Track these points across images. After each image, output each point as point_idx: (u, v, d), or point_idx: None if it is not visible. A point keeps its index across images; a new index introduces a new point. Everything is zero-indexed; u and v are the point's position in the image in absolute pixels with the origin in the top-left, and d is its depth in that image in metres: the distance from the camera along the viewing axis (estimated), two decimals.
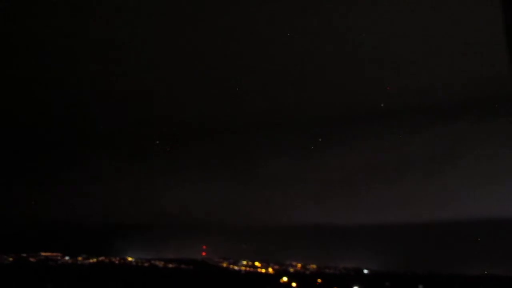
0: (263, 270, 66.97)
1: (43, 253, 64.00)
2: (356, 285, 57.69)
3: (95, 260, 65.18)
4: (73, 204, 67.78)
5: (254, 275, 66.02)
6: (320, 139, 72.04)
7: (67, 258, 64.60)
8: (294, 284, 60.27)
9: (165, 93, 73.65)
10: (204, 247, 69.15)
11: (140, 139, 71.65)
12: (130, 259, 66.23)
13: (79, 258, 64.97)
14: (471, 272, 59.54)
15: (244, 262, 68.15)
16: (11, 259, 61.98)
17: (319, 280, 61.49)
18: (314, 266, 66.42)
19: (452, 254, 61.71)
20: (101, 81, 67.38)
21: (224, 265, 68.46)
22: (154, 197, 69.57)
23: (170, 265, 65.94)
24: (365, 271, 64.01)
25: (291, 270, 66.06)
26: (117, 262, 65.76)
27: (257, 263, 67.77)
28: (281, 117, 75.65)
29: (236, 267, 67.82)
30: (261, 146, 76.77)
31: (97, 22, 59.99)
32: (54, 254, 64.48)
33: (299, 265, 66.72)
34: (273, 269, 66.74)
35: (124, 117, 71.10)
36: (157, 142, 70.05)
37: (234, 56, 69.10)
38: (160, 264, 66.10)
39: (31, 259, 62.91)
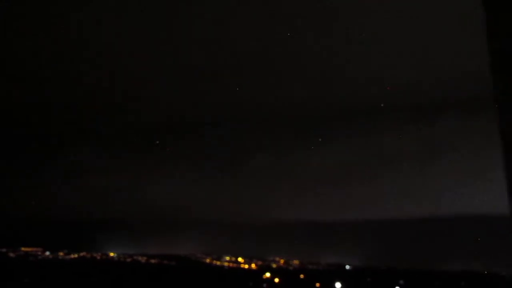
0: (246, 266, 66.93)
1: (23, 248, 63.08)
2: (338, 281, 57.92)
3: (76, 255, 64.46)
4: (55, 199, 66.83)
5: (237, 270, 65.96)
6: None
7: (47, 253, 63.75)
8: (277, 280, 60.30)
9: (150, 89, 73.05)
10: (188, 242, 68.93)
11: (123, 134, 70.92)
12: (112, 254, 65.62)
13: (60, 253, 64.18)
14: (452, 268, 60.23)
15: (227, 258, 68.04)
16: None
17: (301, 276, 61.67)
18: (297, 262, 66.62)
19: (433, 250, 62.35)
20: (87, 77, 66.49)
21: (207, 260, 68.27)
22: (137, 192, 69.07)
23: (153, 261, 65.53)
24: (347, 267, 64.39)
25: (274, 266, 66.13)
26: (99, 257, 65.13)
27: (240, 259, 67.72)
28: (265, 114, 75.61)
29: (219, 263, 67.69)
30: (245, 143, 76.69)
31: (86, 20, 59.17)
32: (35, 249, 63.58)
33: (282, 261, 66.83)
34: (256, 265, 66.74)
35: (107, 112, 70.32)
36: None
37: (222, 52, 68.75)
38: (143, 259, 65.63)
39: (11, 255, 61.97)
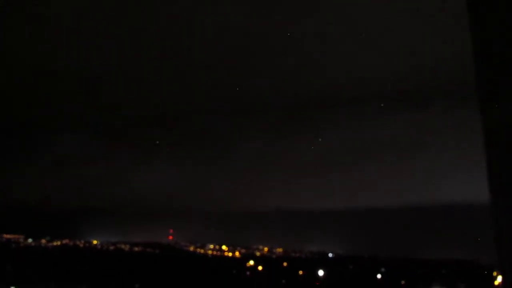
0: (230, 254, 67.00)
1: (5, 235, 62.74)
2: (321, 268, 58.12)
3: (59, 243, 64.17)
4: (38, 187, 66.39)
5: (221, 258, 65.99)
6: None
7: (30, 240, 63.43)
8: (260, 268, 60.40)
9: (139, 80, 72.66)
10: (171, 231, 68.73)
11: (107, 123, 70.58)
12: (95, 242, 65.42)
13: (43, 241, 63.87)
14: (433, 256, 60.72)
15: (211, 246, 68.08)
16: None
17: (285, 264, 61.83)
18: (280, 250, 66.82)
19: (415, 238, 62.78)
20: (76, 67, 66.02)
21: (191, 248, 68.29)
22: (121, 180, 68.78)
23: (136, 249, 65.37)
24: (330, 255, 64.66)
25: (258, 254, 66.27)
26: (81, 245, 64.89)
27: (224, 247, 67.78)
28: (250, 104, 75.52)
29: (203, 251, 67.72)
30: (230, 131, 76.61)
31: (82, 11, 58.72)
32: (17, 236, 63.24)
33: (265, 249, 67.00)
34: (240, 253, 66.83)
35: (92, 100, 69.91)
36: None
37: (210, 43, 68.53)
38: (126, 247, 65.46)
39: None
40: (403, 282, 55.89)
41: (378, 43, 67.68)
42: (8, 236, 62.90)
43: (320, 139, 74.08)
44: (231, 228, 69.31)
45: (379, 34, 67.75)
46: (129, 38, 66.38)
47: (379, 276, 57.04)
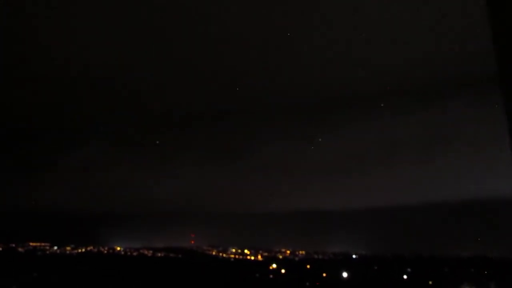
0: (252, 258, 66.49)
1: (31, 243, 64.00)
2: (344, 270, 56.96)
3: (83, 249, 65.06)
4: (62, 195, 67.61)
5: (243, 262, 65.56)
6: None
7: (55, 248, 64.55)
8: (283, 271, 59.68)
9: (154, 82, 73.29)
10: (193, 235, 68.76)
11: (128, 130, 71.42)
12: (118, 248, 66.00)
13: (68, 248, 64.89)
14: (461, 254, 58.69)
15: (233, 250, 67.78)
16: (0, 249, 62.05)
17: (308, 266, 60.88)
18: (303, 252, 65.92)
19: (442, 236, 60.81)
20: (92, 74, 67.16)
21: (213, 253, 68.12)
22: (143, 186, 69.30)
23: (159, 254, 65.66)
24: (354, 256, 63.35)
25: (280, 256, 65.58)
26: (105, 251, 65.58)
27: (246, 251, 67.35)
28: (270, 105, 75.03)
29: (225, 255, 67.44)
30: (251, 134, 76.25)
31: (90, 18, 59.90)
32: (43, 244, 64.47)
33: (288, 252, 66.23)
34: (262, 256, 66.26)
35: (113, 108, 70.90)
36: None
37: (225, 46, 68.58)
38: (149, 253, 65.83)
39: (20, 249, 62.94)
40: (430, 282, 54.15)
41: (394, 38, 66.23)
42: (34, 244, 64.14)
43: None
44: (253, 231, 68.80)
45: (394, 28, 66.20)
46: (142, 43, 67.06)
47: (405, 276, 55.45)
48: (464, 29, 64.00)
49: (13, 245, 63.30)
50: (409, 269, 56.56)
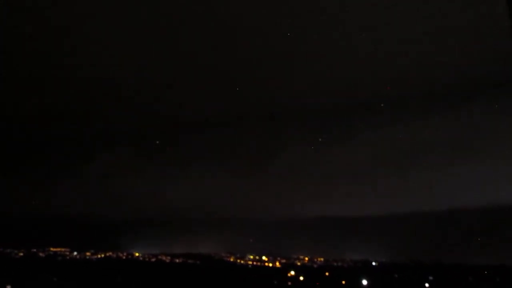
0: (270, 264, 65.93)
1: (52, 249, 64.87)
2: (364, 278, 55.96)
3: (102, 255, 65.61)
4: (81, 201, 68.48)
5: (261, 269, 65.04)
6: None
7: (75, 253, 65.26)
8: (301, 278, 58.99)
9: (169, 88, 73.69)
10: (211, 241, 68.73)
11: (146, 135, 72.04)
12: (137, 254, 66.36)
13: (87, 254, 65.53)
14: (486, 262, 56.93)
15: (251, 257, 67.37)
16: (21, 254, 63.03)
17: (326, 273, 60.04)
18: (321, 259, 65.04)
19: (462, 244, 59.11)
20: (104, 81, 68.11)
21: (231, 259, 67.80)
22: (161, 193, 69.60)
23: (177, 260, 65.72)
24: (374, 263, 62.18)
25: (298, 263, 64.87)
26: (124, 257, 65.99)
27: (264, 257, 66.85)
28: (288, 110, 74.51)
29: (243, 262, 67.05)
30: (268, 140, 75.90)
31: (98, 23, 60.89)
32: (63, 249, 65.28)
33: (306, 259, 65.45)
34: (280, 263, 65.68)
35: (131, 115, 71.68)
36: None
37: (239, 49, 68.69)
38: (167, 259, 65.95)
39: (40, 254, 63.84)
40: None
41: (412, 38, 65.18)
42: (54, 249, 64.96)
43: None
44: (271, 237, 68.22)
45: (411, 29, 65.20)
46: (162, 48, 67.64)
47: (427, 285, 54.10)
48: (486, 29, 62.68)
49: (34, 250, 64.22)
50: (431, 277, 55.20)
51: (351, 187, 68.40)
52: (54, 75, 67.81)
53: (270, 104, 74.63)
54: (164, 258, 66.11)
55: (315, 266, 64.04)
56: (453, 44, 66.13)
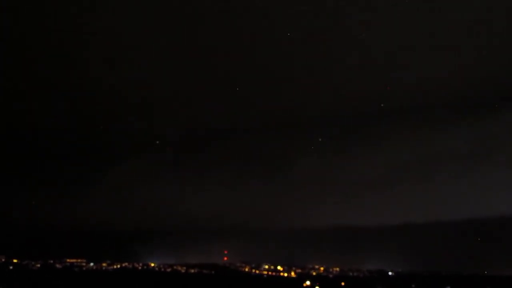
0: (286, 274, 65.80)
1: (68, 260, 65.40)
2: None
3: (118, 265, 66.04)
4: (97, 212, 68.92)
5: (276, 279, 64.99)
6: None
7: (91, 264, 65.75)
8: None
9: (188, 98, 73.52)
10: (226, 251, 68.59)
11: (160, 143, 72.15)
12: (152, 264, 66.68)
13: (103, 264, 66.00)
14: (504, 273, 56.21)
15: (266, 266, 67.29)
16: (38, 265, 63.72)
17: (342, 283, 59.82)
18: (337, 268, 64.72)
19: (481, 254, 58.29)
20: (119, 91, 68.43)
21: (246, 269, 67.84)
22: (176, 203, 69.65)
23: (192, 270, 65.93)
24: (390, 273, 61.75)
25: (314, 273, 64.66)
26: (140, 267, 66.39)
27: (279, 267, 66.73)
28: (303, 117, 73.75)
29: (258, 271, 67.01)
30: (283, 149, 75.41)
31: (102, 31, 61.23)
32: (79, 260, 65.79)
33: (321, 268, 65.19)
34: (296, 272, 65.54)
35: (144, 123, 71.89)
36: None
37: (255, 60, 68.52)
38: (182, 269, 66.20)
39: (57, 265, 64.44)
40: None
41: (434, 45, 64.25)
42: (71, 260, 65.50)
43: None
44: (286, 247, 67.87)
45: (433, 35, 64.25)
46: (178, 60, 67.80)
47: None
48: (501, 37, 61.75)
49: (51, 261, 64.85)
50: (448, 287, 54.75)
51: (367, 196, 67.59)
52: (71, 85, 68.19)
53: (287, 111, 73.90)
54: (179, 268, 66.35)
55: (330, 276, 63.78)
56: (477, 51, 64.82)
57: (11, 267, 62.43)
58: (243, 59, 68.13)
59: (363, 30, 63.96)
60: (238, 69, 68.83)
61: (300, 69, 71.35)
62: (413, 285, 56.99)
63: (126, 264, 66.31)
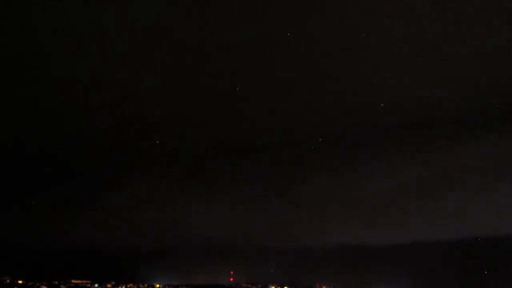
0: None
1: (73, 281, 65.24)
2: None
3: (123, 287, 65.52)
4: (101, 231, 68.71)
5: None
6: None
7: (96, 285, 65.42)
8: None
9: (200, 116, 72.78)
10: (232, 272, 67.38)
11: (162, 163, 71.85)
12: (157, 285, 65.99)
13: (108, 285, 65.57)
14: None
15: (273, 287, 65.85)
16: (43, 286, 63.66)
17: None
18: None
19: (498, 274, 55.77)
20: (128, 109, 68.42)
21: None
22: (179, 221, 68.98)
23: None
24: None
25: None
26: None
27: (285, 287, 65.27)
28: (311, 135, 72.34)
29: None
30: (289, 168, 74.30)
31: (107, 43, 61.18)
32: (84, 281, 65.53)
33: None
34: None
35: (149, 142, 71.50)
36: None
37: (265, 77, 67.82)
38: None
39: (62, 286, 64.27)
40: None
41: (447, 58, 62.46)
42: (76, 281, 65.25)
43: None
44: (292, 267, 66.33)
45: (448, 48, 62.42)
46: (189, 77, 67.42)
47: None
48: None
49: (56, 282, 64.70)
50: None
51: (377, 215, 65.64)
52: (78, 102, 68.13)
53: (293, 130, 72.78)
54: None
55: None
56: (492, 64, 62.74)
57: None
58: (254, 83, 67.42)
59: (373, 48, 62.94)
60: (248, 92, 67.97)
61: (306, 88, 70.47)
62: None
63: (131, 285, 65.78)
